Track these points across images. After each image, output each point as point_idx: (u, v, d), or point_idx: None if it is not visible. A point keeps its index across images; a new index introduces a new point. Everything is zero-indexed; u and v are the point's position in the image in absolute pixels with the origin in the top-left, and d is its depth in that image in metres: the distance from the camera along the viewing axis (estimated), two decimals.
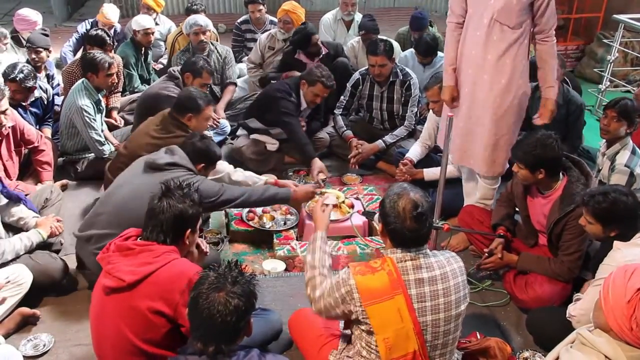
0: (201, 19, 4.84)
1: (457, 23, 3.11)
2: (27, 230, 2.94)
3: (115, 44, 5.15)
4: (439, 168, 3.04)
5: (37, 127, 4.10)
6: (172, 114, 3.34)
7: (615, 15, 5.27)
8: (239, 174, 3.44)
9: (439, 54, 4.83)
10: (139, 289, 2.02)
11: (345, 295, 1.96)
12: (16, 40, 5.18)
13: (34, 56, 4.49)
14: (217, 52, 4.89)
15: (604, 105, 3.75)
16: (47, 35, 4.71)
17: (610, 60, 5.28)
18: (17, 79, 3.75)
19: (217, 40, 5.45)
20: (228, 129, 4.61)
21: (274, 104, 4.08)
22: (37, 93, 4.07)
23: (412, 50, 5.04)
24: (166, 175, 2.64)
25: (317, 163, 3.90)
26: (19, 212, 2.98)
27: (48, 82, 4.57)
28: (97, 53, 3.99)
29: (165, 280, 2.02)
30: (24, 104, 3.95)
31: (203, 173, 2.95)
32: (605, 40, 5.93)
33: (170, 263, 2.07)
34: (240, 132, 4.41)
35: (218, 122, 4.48)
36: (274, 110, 4.07)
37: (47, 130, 4.21)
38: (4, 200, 2.91)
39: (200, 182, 2.72)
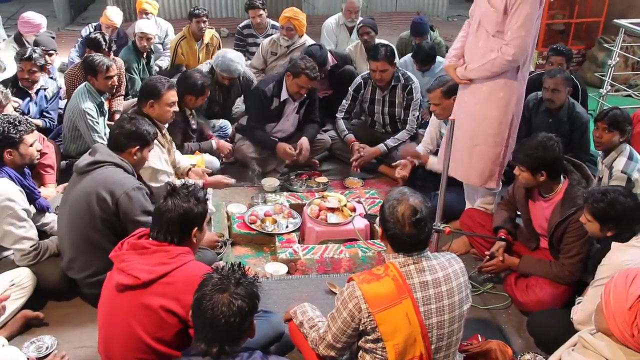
0: (234, 66, 4.33)
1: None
2: (51, 235, 3.06)
3: (116, 47, 5.16)
4: (440, 158, 3.02)
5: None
6: (136, 109, 3.32)
7: (615, 20, 5.28)
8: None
9: (439, 59, 4.83)
10: (152, 287, 2.04)
11: (354, 309, 1.94)
12: (20, 42, 5.21)
13: (45, 57, 4.52)
14: (240, 83, 4.61)
15: (594, 118, 3.75)
16: (53, 38, 4.75)
17: (611, 65, 5.29)
18: (32, 57, 4.04)
19: (219, 46, 5.45)
20: (229, 130, 4.60)
21: (248, 99, 4.46)
22: (42, 81, 4.22)
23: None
24: (92, 175, 2.67)
25: (282, 146, 4.09)
26: (45, 218, 3.11)
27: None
28: (97, 56, 4.01)
29: (181, 281, 2.03)
30: (30, 92, 4.10)
31: (140, 156, 2.83)
32: (606, 45, 5.95)
33: (186, 265, 2.09)
34: (239, 134, 4.48)
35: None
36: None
37: (38, 122, 4.15)
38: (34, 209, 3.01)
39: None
